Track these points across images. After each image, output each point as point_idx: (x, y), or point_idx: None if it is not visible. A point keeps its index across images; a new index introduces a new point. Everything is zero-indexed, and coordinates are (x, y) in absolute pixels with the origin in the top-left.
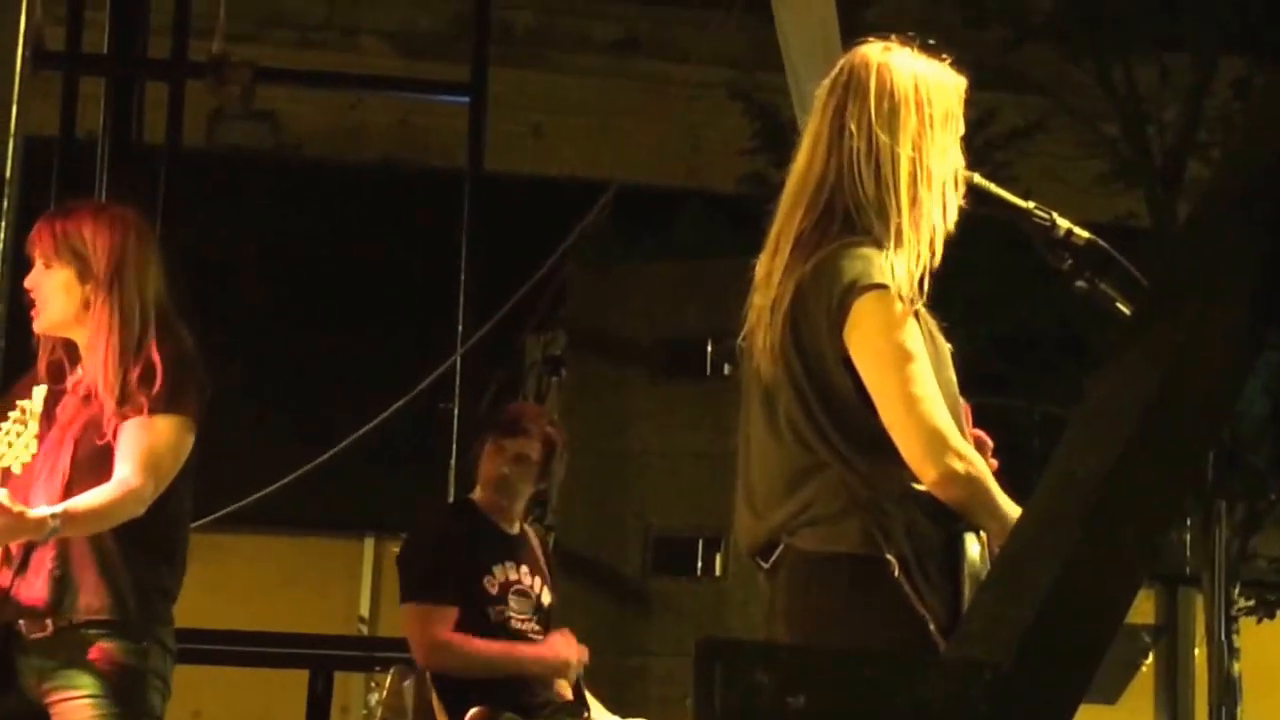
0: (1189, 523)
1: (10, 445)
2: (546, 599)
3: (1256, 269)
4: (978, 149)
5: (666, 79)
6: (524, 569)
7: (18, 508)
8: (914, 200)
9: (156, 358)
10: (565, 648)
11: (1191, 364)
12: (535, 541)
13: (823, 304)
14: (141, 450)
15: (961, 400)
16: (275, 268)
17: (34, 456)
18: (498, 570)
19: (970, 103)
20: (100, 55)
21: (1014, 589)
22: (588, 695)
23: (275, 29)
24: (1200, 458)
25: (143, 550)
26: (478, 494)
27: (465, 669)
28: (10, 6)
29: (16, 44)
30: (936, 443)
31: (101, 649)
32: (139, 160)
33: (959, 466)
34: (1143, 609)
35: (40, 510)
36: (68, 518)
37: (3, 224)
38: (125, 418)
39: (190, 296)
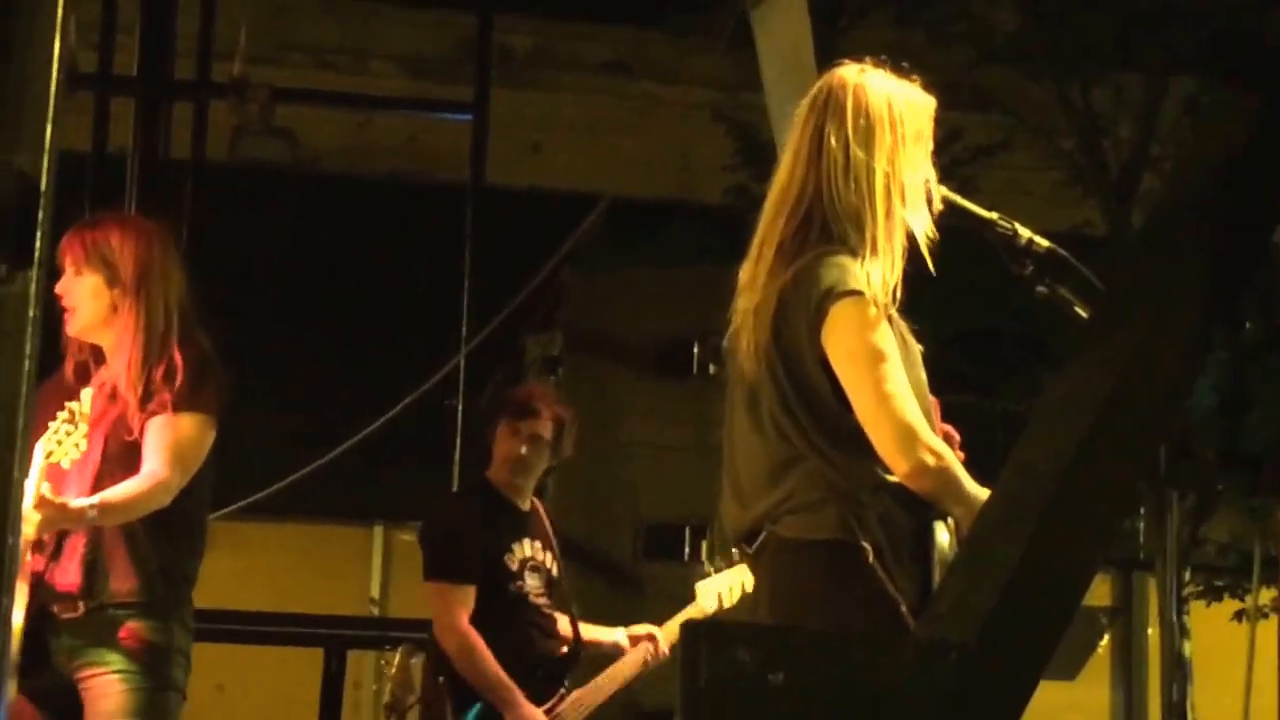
0: (1142, 511)
1: (60, 443)
2: (556, 572)
3: (1205, 275)
4: (946, 164)
5: (656, 99)
6: (538, 544)
7: (59, 500)
8: (888, 212)
9: (178, 358)
10: None
11: (1144, 364)
12: (544, 515)
13: (802, 308)
14: (167, 445)
15: (931, 397)
16: (292, 273)
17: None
18: (516, 548)
19: (939, 121)
20: (130, 77)
21: (978, 574)
22: (583, 630)
23: (293, 52)
24: (1153, 451)
25: (168, 537)
26: (493, 473)
27: (465, 669)
28: (45, 35)
29: (51, 69)
30: (908, 437)
31: (130, 628)
32: (166, 174)
33: (929, 459)
34: (1099, 592)
35: (79, 501)
36: (104, 508)
37: (39, 233)
38: (151, 415)
39: (213, 300)
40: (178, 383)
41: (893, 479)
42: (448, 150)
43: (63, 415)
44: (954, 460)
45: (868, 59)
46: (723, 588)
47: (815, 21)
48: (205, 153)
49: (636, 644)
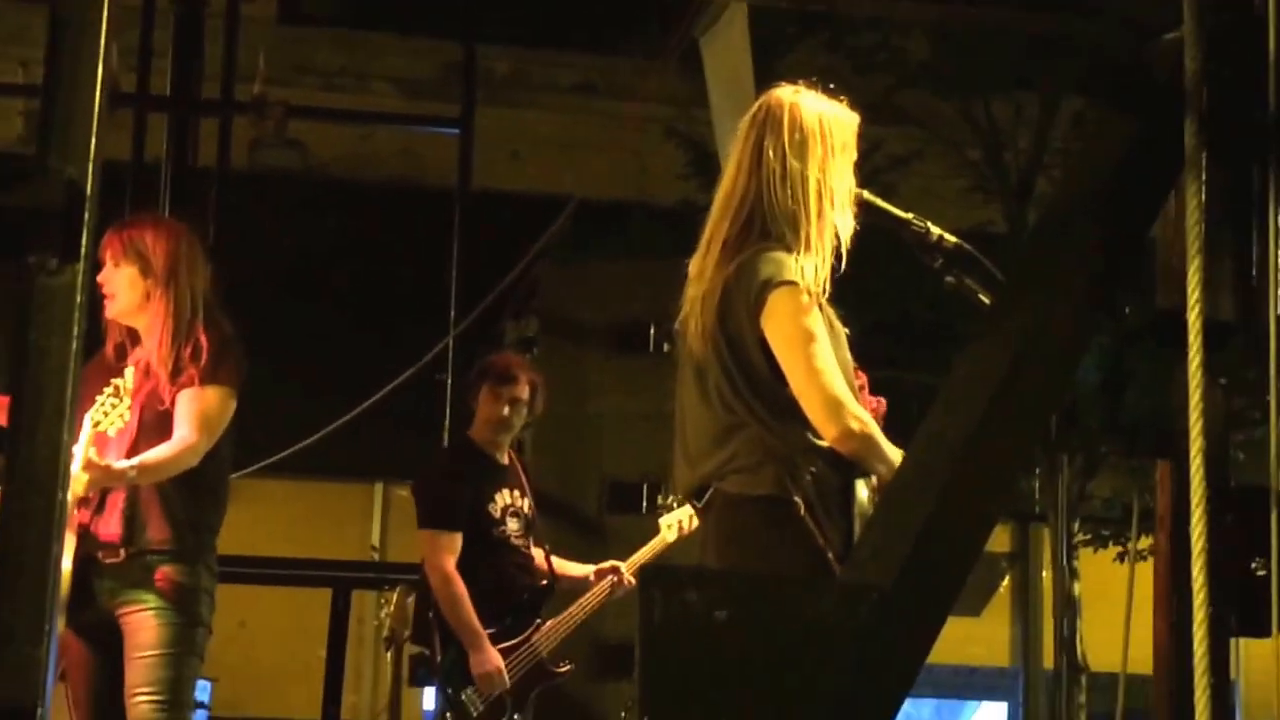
0: (1037, 471)
1: (106, 414)
2: (531, 514)
3: (1090, 268)
4: (868, 172)
5: (618, 115)
6: (516, 493)
7: (103, 462)
8: (820, 213)
9: (203, 339)
10: (499, 675)
11: (1037, 344)
12: (519, 466)
13: (743, 296)
14: (195, 414)
15: (860, 373)
16: (302, 265)
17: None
18: (498, 497)
19: (862, 135)
20: (164, 96)
21: (895, 525)
22: (556, 564)
23: (305, 75)
24: (1045, 419)
25: (195, 493)
26: (475, 433)
27: (444, 609)
28: (90, 61)
29: (96, 91)
30: (836, 407)
31: (163, 572)
32: (194, 180)
33: (855, 425)
34: (999, 540)
35: (120, 463)
36: (141, 469)
37: (85, 232)
38: (180, 388)
39: (234, 289)
40: (203, 360)
41: (822, 443)
42: (437, 159)
43: (109, 390)
44: (875, 427)
45: (801, 81)
46: (682, 518)
47: (755, 47)
48: (229, 162)
49: (602, 577)
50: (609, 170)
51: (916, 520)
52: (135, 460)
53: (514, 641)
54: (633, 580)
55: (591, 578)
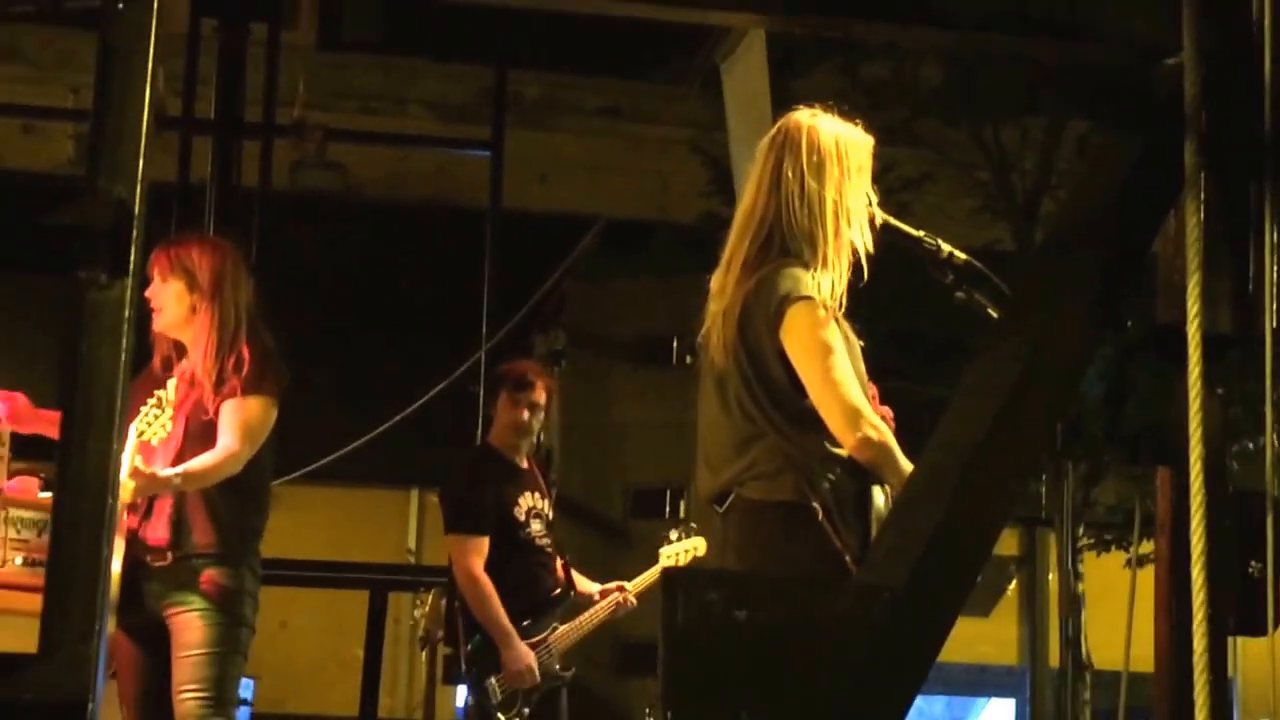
0: (1043, 477)
1: (149, 424)
2: (550, 514)
3: (1093, 283)
4: (883, 192)
5: (641, 137)
6: (537, 495)
7: (149, 469)
8: (836, 232)
9: (246, 351)
10: (530, 672)
11: (1043, 357)
12: (537, 469)
13: (763, 311)
14: (238, 423)
15: (871, 384)
16: (342, 282)
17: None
18: (521, 500)
19: (876, 156)
20: (208, 120)
21: (907, 529)
22: (576, 578)
23: (344, 99)
24: (1051, 429)
25: (239, 499)
26: (495, 438)
27: (475, 609)
28: (138, 87)
29: (143, 115)
30: (855, 415)
31: (209, 575)
32: (237, 201)
33: (872, 434)
34: (1007, 544)
35: (166, 471)
36: (186, 476)
37: (133, 249)
38: (224, 398)
39: (276, 304)
40: (245, 371)
41: (839, 451)
42: (470, 180)
43: (152, 401)
44: (890, 436)
45: (817, 105)
46: (679, 550)
47: (772, 71)
48: (270, 183)
49: (607, 595)
50: (633, 190)
51: (928, 524)
52: (180, 468)
53: (533, 640)
54: (634, 601)
55: (597, 596)
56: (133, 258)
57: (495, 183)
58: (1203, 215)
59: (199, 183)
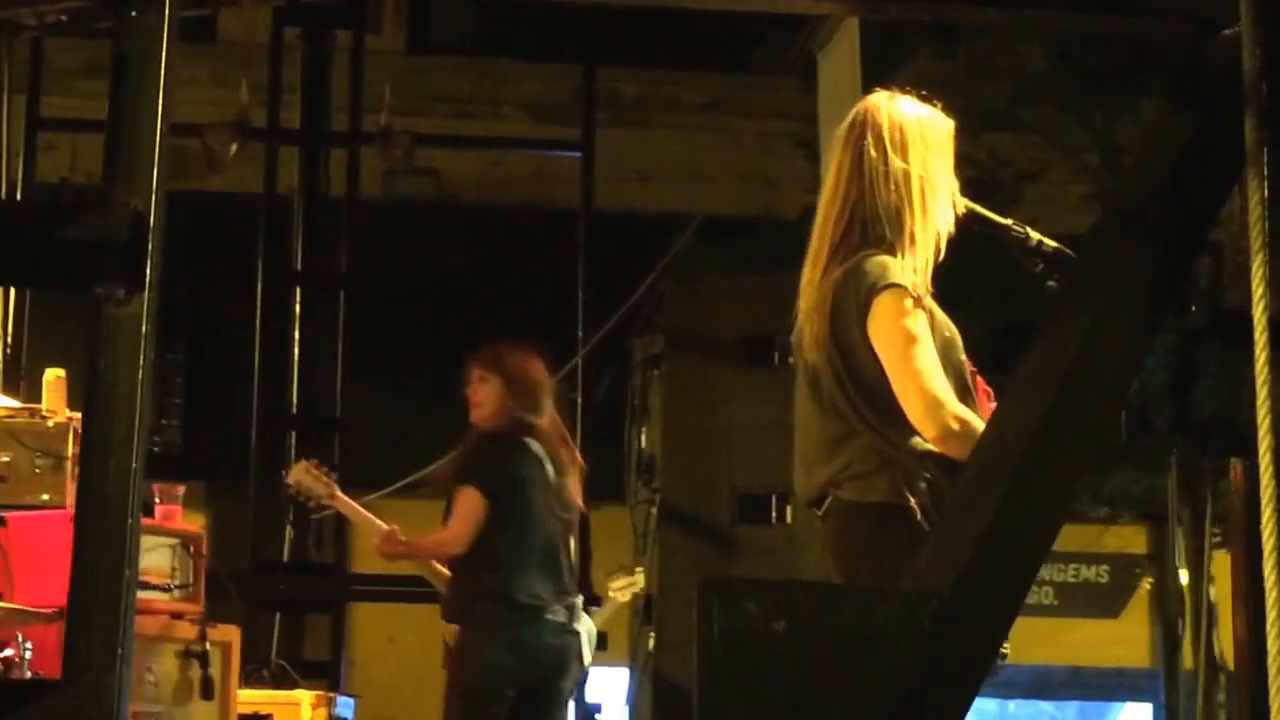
0: (1173, 470)
1: None
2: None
3: (1150, 265)
4: (995, 186)
5: (741, 131)
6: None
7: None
8: (924, 209)
9: None
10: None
11: (1097, 342)
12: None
13: (852, 302)
14: None
15: (980, 379)
16: (435, 288)
17: None
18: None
19: (980, 143)
20: (294, 129)
21: (954, 532)
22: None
23: (435, 103)
24: (1108, 420)
25: None
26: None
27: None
28: (151, 96)
29: (157, 125)
30: (935, 405)
31: None
32: (326, 211)
33: (954, 424)
34: (1137, 542)
35: None
36: None
37: (150, 262)
38: None
39: (370, 314)
40: None
41: (933, 448)
42: (567, 182)
43: None
44: (978, 424)
45: (895, 88)
46: (627, 583)
47: (873, 59)
48: (358, 191)
49: None
50: (733, 186)
51: (976, 527)
52: None
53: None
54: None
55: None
56: (150, 271)
57: (587, 183)
58: (1265, 193)
59: (287, 193)
